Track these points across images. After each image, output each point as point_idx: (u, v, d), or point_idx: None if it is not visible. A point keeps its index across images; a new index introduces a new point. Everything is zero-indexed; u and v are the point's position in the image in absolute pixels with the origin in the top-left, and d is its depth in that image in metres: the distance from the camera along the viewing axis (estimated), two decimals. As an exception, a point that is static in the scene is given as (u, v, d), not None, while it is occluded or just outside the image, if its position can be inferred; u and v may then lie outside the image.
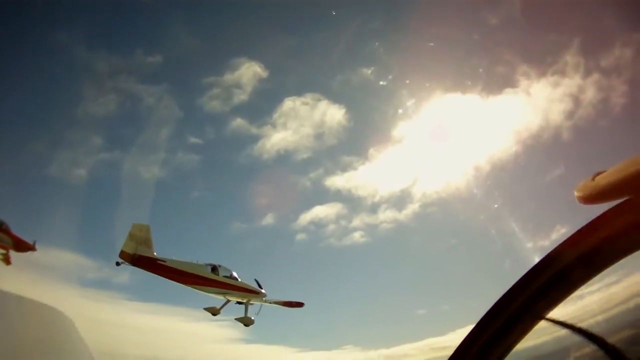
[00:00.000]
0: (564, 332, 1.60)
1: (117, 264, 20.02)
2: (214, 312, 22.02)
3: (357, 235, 66.25)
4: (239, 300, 21.81)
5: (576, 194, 1.16)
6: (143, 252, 20.00)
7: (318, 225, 64.84)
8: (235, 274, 21.77)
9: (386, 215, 65.48)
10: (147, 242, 20.14)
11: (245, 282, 21.95)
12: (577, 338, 1.58)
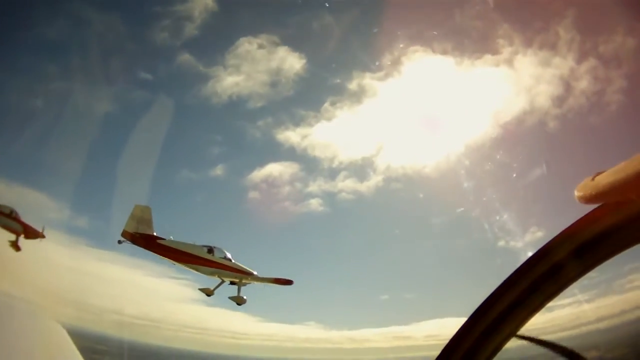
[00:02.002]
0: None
1: (119, 242, 21.58)
2: (208, 292, 23.16)
3: (314, 203, 61.34)
4: (232, 280, 23.03)
5: (576, 193, 1.16)
6: (143, 231, 21.65)
7: (272, 185, 59.54)
8: (229, 255, 23.22)
9: (346, 184, 60.50)
10: (147, 223, 21.85)
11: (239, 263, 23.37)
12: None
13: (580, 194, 1.15)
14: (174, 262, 22.35)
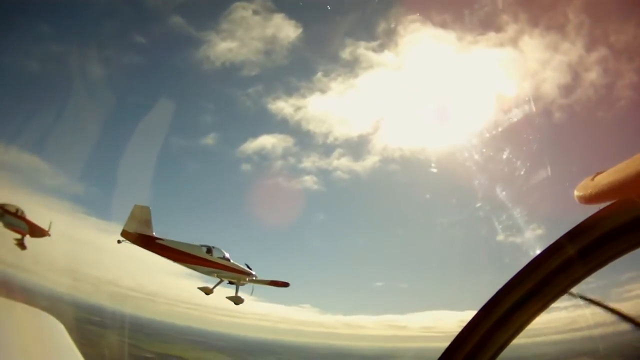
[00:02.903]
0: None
1: (119, 241, 21.88)
2: (207, 291, 23.24)
3: (308, 180, 59.61)
4: (231, 280, 23.08)
5: (576, 193, 1.16)
6: (143, 231, 21.90)
7: (264, 157, 57.95)
8: (227, 255, 23.27)
9: (341, 162, 58.54)
10: (147, 222, 22.09)
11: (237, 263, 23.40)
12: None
13: (580, 193, 1.15)
14: (173, 262, 22.54)
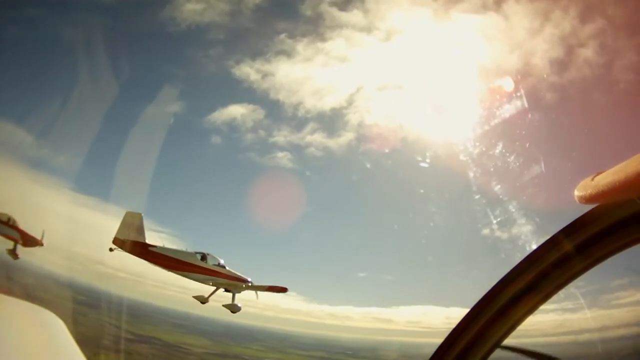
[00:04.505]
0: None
1: (111, 249, 21.44)
2: (203, 300, 22.67)
3: (281, 156, 57.20)
4: (226, 287, 22.46)
5: (576, 193, 1.16)
6: (135, 238, 21.45)
7: (234, 129, 55.75)
8: (222, 262, 22.69)
9: (314, 138, 55.89)
10: (139, 230, 21.68)
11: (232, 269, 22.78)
12: None
13: (580, 193, 1.16)
14: (167, 270, 22.02)
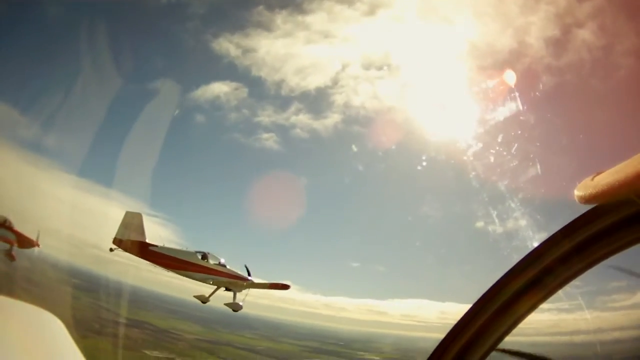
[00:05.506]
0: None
1: (111, 250, 21.34)
2: (204, 300, 22.86)
3: (266, 137, 56.55)
4: (227, 286, 22.65)
5: (576, 193, 1.17)
6: (135, 238, 21.37)
7: (217, 107, 54.94)
8: (223, 261, 22.81)
9: (299, 119, 55.20)
10: (138, 229, 21.57)
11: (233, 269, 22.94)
12: None
13: (580, 193, 1.16)
14: (166, 269, 22.04)
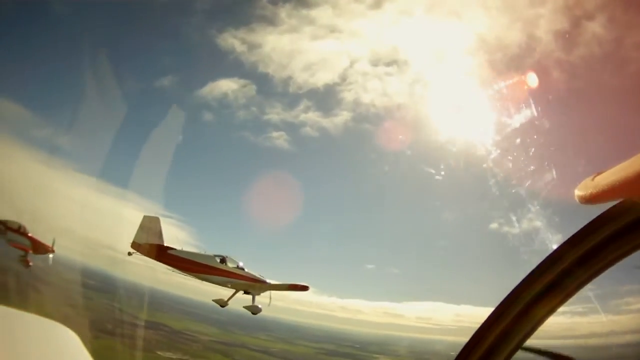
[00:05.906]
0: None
1: (129, 254, 20.99)
2: (222, 303, 22.49)
3: (276, 136, 55.58)
4: (246, 289, 22.23)
5: (576, 193, 1.16)
6: (153, 241, 21.04)
7: (225, 105, 54.09)
8: (242, 264, 22.39)
9: (309, 117, 54.30)
10: (157, 233, 21.24)
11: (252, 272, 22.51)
12: None
13: (581, 193, 1.14)
14: (185, 273, 21.66)
